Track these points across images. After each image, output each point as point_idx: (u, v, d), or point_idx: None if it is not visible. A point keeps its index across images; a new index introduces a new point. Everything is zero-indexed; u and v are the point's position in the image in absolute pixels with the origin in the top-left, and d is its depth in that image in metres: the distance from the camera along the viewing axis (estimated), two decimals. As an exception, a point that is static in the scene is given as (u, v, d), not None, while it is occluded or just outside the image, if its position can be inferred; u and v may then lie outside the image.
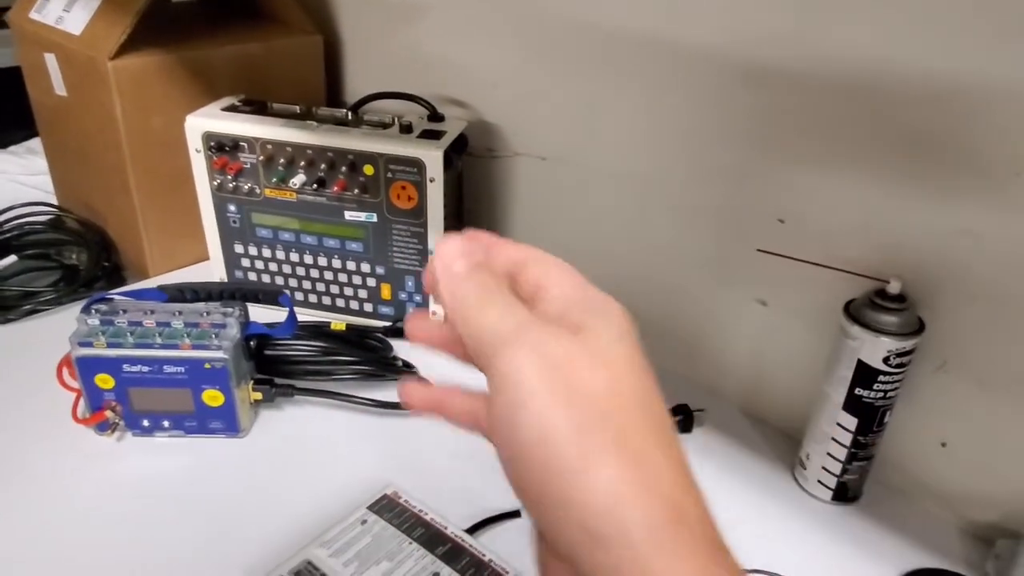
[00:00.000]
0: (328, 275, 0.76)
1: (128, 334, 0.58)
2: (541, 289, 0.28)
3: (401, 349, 0.74)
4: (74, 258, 0.85)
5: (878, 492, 0.59)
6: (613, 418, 0.24)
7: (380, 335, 0.74)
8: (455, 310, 0.27)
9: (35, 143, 1.08)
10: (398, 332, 0.75)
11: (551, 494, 0.23)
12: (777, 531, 0.56)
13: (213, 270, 0.79)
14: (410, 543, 0.47)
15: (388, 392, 0.66)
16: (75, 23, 0.78)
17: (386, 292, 0.75)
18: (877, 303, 0.52)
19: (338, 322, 0.74)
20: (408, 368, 0.69)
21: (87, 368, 0.58)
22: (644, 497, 0.23)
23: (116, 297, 0.61)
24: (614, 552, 0.22)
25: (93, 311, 0.59)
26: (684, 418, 0.65)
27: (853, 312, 0.53)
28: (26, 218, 0.89)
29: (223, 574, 0.49)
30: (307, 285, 0.77)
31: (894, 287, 0.51)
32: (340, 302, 0.78)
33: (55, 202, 0.96)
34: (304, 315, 0.78)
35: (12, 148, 1.09)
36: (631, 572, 0.22)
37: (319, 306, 0.78)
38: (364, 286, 0.76)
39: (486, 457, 0.65)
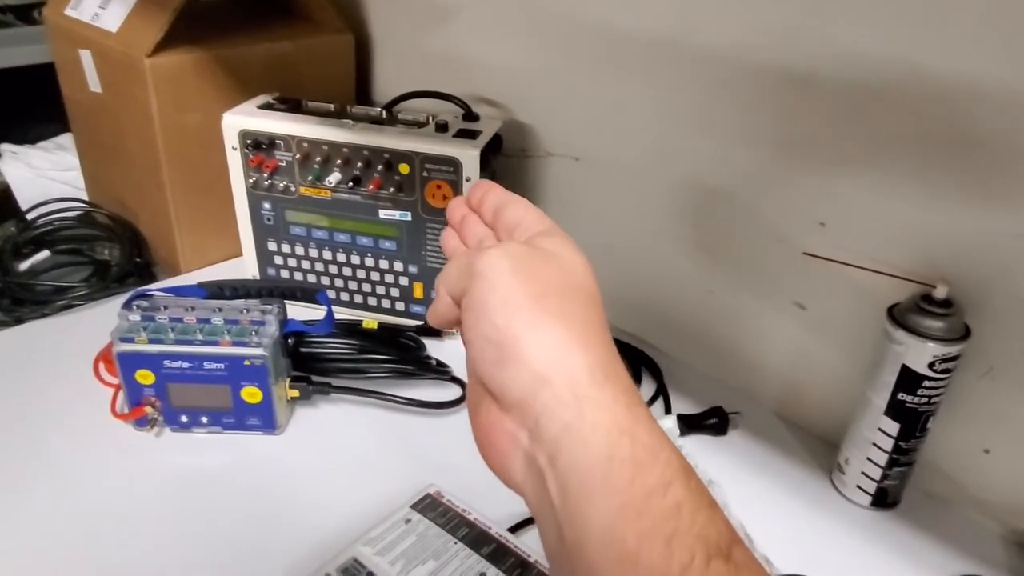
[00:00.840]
0: (361, 273, 0.76)
1: (169, 330, 0.58)
2: (517, 227, 0.37)
3: (433, 348, 0.74)
4: (106, 254, 0.86)
5: (918, 498, 0.59)
6: (562, 295, 0.31)
7: (412, 334, 0.74)
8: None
9: (65, 139, 1.09)
10: (430, 331, 0.75)
11: (509, 351, 0.29)
12: (814, 536, 0.56)
13: (246, 267, 0.79)
14: (455, 543, 0.47)
15: (422, 391, 0.66)
16: (111, 20, 0.79)
17: (419, 291, 0.75)
18: (923, 308, 0.51)
19: (370, 320, 0.74)
20: (442, 367, 0.70)
21: (128, 363, 0.58)
22: (584, 349, 0.29)
23: (156, 293, 0.61)
24: (561, 390, 0.28)
25: (134, 307, 0.59)
26: (719, 420, 0.64)
27: (898, 316, 0.53)
28: (58, 214, 0.89)
29: (266, 571, 0.50)
30: (339, 283, 0.78)
31: (940, 292, 0.51)
32: (372, 300, 0.78)
33: (86, 198, 0.96)
34: (336, 313, 0.77)
35: (42, 144, 1.09)
36: (575, 404, 0.27)
37: (351, 304, 0.78)
38: (397, 285, 0.76)
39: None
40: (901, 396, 0.53)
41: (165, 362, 0.58)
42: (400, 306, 0.77)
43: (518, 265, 0.31)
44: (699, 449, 0.63)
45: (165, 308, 0.59)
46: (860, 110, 0.54)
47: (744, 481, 0.60)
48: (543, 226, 0.37)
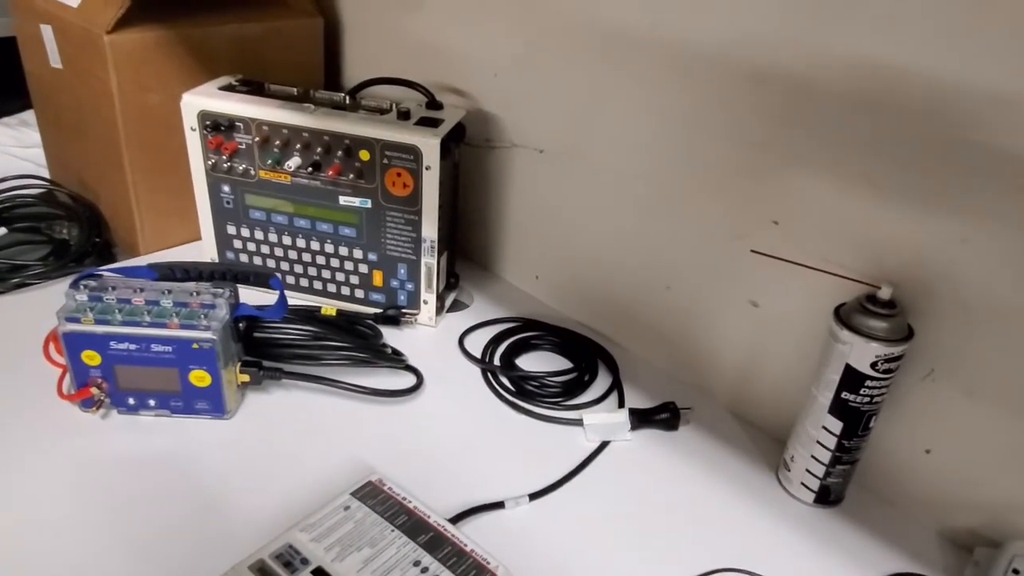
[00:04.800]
0: (320, 259, 0.76)
1: (116, 311, 0.57)
2: None
3: (391, 336, 0.74)
4: (64, 233, 0.85)
5: (860, 496, 0.59)
6: None
7: (370, 322, 0.74)
8: None
9: (29, 115, 1.07)
10: (389, 319, 0.75)
11: None
12: (758, 531, 0.56)
13: (205, 251, 0.78)
14: (392, 530, 0.47)
15: (377, 379, 0.66)
16: (73, -5, 0.77)
17: (378, 279, 0.75)
18: (867, 308, 0.52)
19: (328, 307, 0.74)
20: (398, 356, 0.69)
21: (74, 344, 0.58)
22: None
23: (105, 274, 0.61)
24: None
25: (82, 287, 0.59)
26: (671, 415, 0.65)
27: (843, 316, 0.53)
28: (17, 191, 0.88)
29: (204, 554, 0.49)
30: (299, 269, 0.77)
31: (885, 293, 0.51)
32: (331, 287, 0.77)
33: (47, 175, 0.95)
34: (295, 299, 0.77)
35: (5, 119, 1.08)
36: None
37: (310, 290, 0.78)
38: (356, 272, 0.75)
39: (471, 448, 0.65)
40: (845, 395, 0.54)
41: (111, 343, 0.58)
42: (359, 293, 0.77)
43: None
44: (649, 443, 0.63)
45: (113, 289, 0.59)
46: (815, 112, 0.54)
47: (692, 476, 0.61)
48: None
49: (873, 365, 0.52)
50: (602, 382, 0.71)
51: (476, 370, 0.71)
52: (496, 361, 0.72)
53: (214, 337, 0.58)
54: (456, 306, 0.80)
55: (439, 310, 0.76)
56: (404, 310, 0.76)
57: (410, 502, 0.50)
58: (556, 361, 0.73)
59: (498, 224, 0.84)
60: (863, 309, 0.52)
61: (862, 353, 0.52)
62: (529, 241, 0.82)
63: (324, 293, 0.78)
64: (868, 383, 0.52)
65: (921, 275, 0.52)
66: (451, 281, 0.80)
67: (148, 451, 0.58)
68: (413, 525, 0.48)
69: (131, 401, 0.60)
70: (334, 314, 0.73)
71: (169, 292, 0.59)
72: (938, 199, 0.50)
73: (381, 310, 0.76)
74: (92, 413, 0.60)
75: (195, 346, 0.58)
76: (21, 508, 0.52)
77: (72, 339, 0.58)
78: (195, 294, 0.59)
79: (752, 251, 0.60)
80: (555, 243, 0.79)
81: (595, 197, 0.73)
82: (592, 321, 0.78)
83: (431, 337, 0.75)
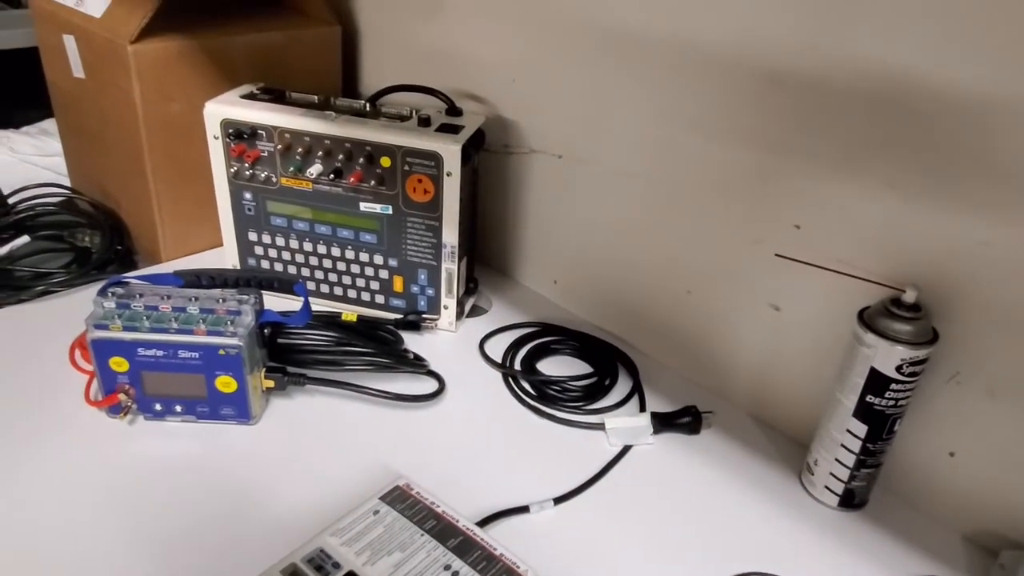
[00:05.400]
0: (341, 266, 0.76)
1: (144, 318, 0.58)
2: None
3: (411, 342, 0.74)
4: (86, 240, 0.86)
5: (885, 499, 0.59)
6: None
7: (391, 327, 0.74)
8: None
9: (49, 124, 1.08)
10: (409, 324, 0.75)
11: None
12: (782, 535, 0.56)
13: (226, 257, 0.79)
14: (422, 535, 0.47)
15: (399, 384, 0.67)
16: (96, 5, 0.78)
17: (398, 285, 0.76)
18: (892, 311, 0.52)
19: (349, 313, 0.74)
20: (420, 361, 0.70)
21: (102, 350, 0.58)
22: None
23: (132, 281, 0.61)
24: None
25: (109, 294, 0.59)
26: (692, 419, 0.65)
27: (868, 319, 0.53)
28: (39, 199, 0.89)
29: (232, 559, 0.50)
30: (319, 275, 0.78)
31: (910, 296, 0.52)
32: (352, 293, 0.78)
33: (68, 184, 0.96)
34: (315, 305, 0.78)
35: (26, 129, 1.09)
36: None
37: (331, 296, 0.79)
38: (376, 278, 0.76)
39: (494, 452, 0.65)
40: (869, 398, 0.54)
41: (139, 350, 0.58)
42: (380, 299, 0.77)
43: None
44: (672, 447, 0.64)
45: (140, 296, 0.59)
46: (837, 115, 0.55)
47: (715, 480, 0.61)
48: None
49: (898, 368, 0.52)
50: (622, 386, 0.71)
51: (497, 375, 0.71)
52: (517, 366, 0.72)
53: (240, 343, 0.58)
54: (475, 311, 0.81)
55: (459, 315, 0.77)
56: (424, 315, 0.76)
57: (438, 506, 0.50)
58: (576, 365, 0.73)
59: (516, 229, 0.84)
60: (888, 312, 0.52)
61: (887, 356, 0.52)
62: (547, 246, 0.82)
63: (344, 299, 0.78)
64: (893, 386, 0.52)
65: (945, 278, 0.53)
66: (470, 286, 0.80)
67: (175, 456, 0.59)
68: (442, 529, 0.48)
69: (158, 407, 0.61)
70: (355, 320, 0.73)
71: (196, 299, 0.59)
72: (959, 201, 0.51)
73: (401, 315, 0.76)
74: (120, 419, 0.61)
75: (221, 352, 0.58)
76: (49, 513, 0.53)
77: (100, 345, 0.58)
78: (221, 301, 0.60)
79: (777, 255, 0.60)
80: (573, 248, 0.79)
81: (613, 202, 0.73)
82: (610, 325, 0.78)
83: (451, 342, 0.76)
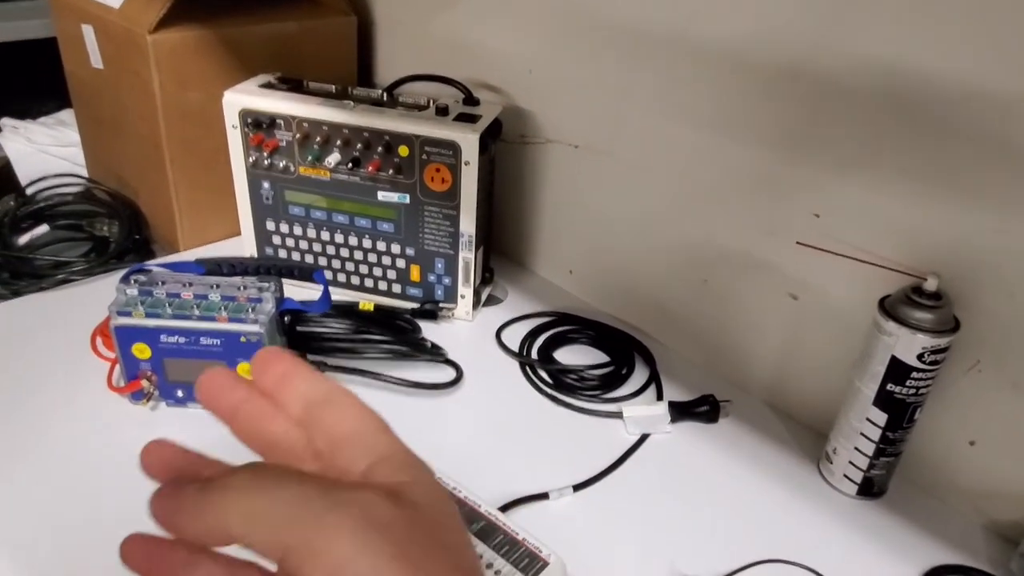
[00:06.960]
0: (358, 255, 0.77)
1: (166, 305, 0.59)
2: (341, 442, 0.26)
3: (429, 331, 0.74)
4: (105, 230, 0.86)
5: (904, 488, 0.59)
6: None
7: (408, 316, 0.74)
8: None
9: (65, 114, 1.09)
10: (426, 313, 0.75)
11: None
12: (801, 523, 0.56)
13: (244, 246, 0.80)
14: (444, 519, 0.48)
15: (417, 372, 0.67)
16: (114, -5, 0.79)
17: (415, 274, 0.76)
18: (913, 300, 0.52)
19: (366, 302, 0.75)
20: (437, 350, 0.70)
21: (125, 337, 0.59)
22: None
23: (154, 268, 0.62)
24: None
25: (132, 281, 0.60)
26: (710, 408, 0.65)
27: (888, 308, 0.53)
28: (57, 189, 0.89)
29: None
30: (336, 264, 0.78)
31: (931, 284, 0.51)
32: (369, 282, 0.78)
33: (85, 174, 0.97)
34: (333, 294, 0.78)
35: (42, 119, 1.10)
36: None
37: (348, 285, 0.79)
38: (393, 267, 0.76)
39: (512, 440, 0.66)
40: (890, 387, 0.54)
41: (162, 336, 0.59)
42: (397, 288, 0.77)
43: (397, 550, 0.22)
44: (689, 436, 0.64)
45: (163, 283, 0.60)
46: (854, 107, 0.54)
47: (733, 468, 0.61)
48: (389, 447, 0.26)
49: (920, 357, 0.52)
50: (639, 375, 0.71)
51: (514, 364, 0.71)
52: (534, 355, 0.72)
53: (261, 330, 0.58)
54: (491, 301, 0.81)
55: (475, 304, 0.77)
56: (441, 304, 0.76)
57: (460, 492, 0.50)
58: (592, 355, 0.74)
59: (532, 219, 0.84)
60: (909, 301, 0.52)
61: (908, 345, 0.52)
62: (563, 236, 0.82)
63: (362, 288, 0.79)
64: (914, 375, 0.52)
65: (965, 266, 0.52)
66: (486, 276, 0.80)
67: (197, 443, 0.58)
68: (465, 514, 0.48)
69: (179, 393, 0.61)
70: (372, 309, 0.74)
71: (217, 286, 0.60)
72: (978, 189, 0.50)
73: (419, 304, 0.76)
74: (142, 405, 0.62)
75: (243, 339, 0.59)
76: (74, 501, 0.53)
77: (123, 332, 0.59)
78: (242, 288, 0.60)
79: (798, 243, 0.60)
80: (589, 238, 0.79)
81: (630, 192, 0.73)
82: (626, 315, 0.79)
83: (468, 331, 0.76)
